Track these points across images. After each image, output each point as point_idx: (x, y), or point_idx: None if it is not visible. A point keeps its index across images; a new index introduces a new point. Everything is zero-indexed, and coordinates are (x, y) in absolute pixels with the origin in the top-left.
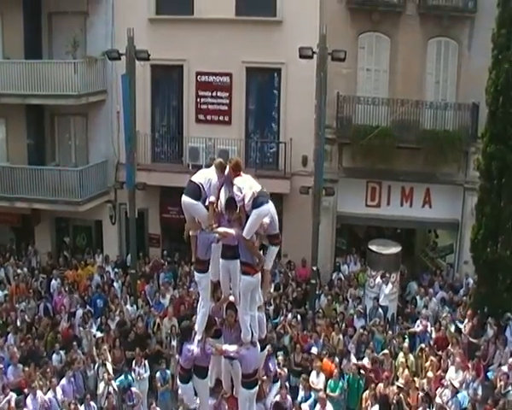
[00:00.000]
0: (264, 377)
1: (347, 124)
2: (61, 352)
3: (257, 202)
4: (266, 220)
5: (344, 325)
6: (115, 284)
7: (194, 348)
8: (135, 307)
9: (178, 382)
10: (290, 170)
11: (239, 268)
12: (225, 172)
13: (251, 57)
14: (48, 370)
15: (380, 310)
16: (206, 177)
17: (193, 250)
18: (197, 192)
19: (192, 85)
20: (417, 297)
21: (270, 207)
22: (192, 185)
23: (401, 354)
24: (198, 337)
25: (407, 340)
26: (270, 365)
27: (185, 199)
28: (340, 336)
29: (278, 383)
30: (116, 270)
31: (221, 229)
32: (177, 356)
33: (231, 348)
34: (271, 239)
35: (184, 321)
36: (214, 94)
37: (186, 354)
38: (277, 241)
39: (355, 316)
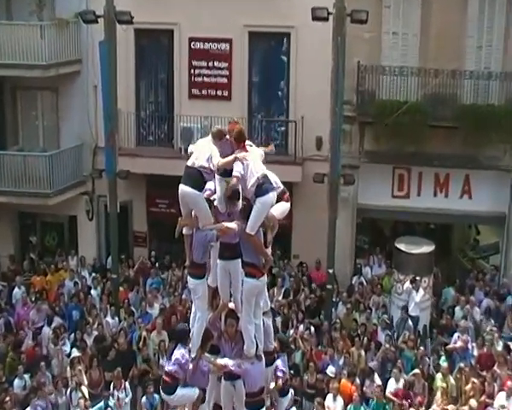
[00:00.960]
0: (272, 385)
1: (370, 99)
2: (25, 376)
3: (261, 188)
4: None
5: (366, 338)
6: (93, 291)
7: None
8: (116, 319)
9: (162, 393)
10: (302, 154)
11: (241, 269)
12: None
13: (254, 20)
14: (7, 399)
15: (409, 321)
16: (205, 155)
17: (187, 251)
18: (198, 180)
19: (184, 54)
20: (455, 306)
21: (275, 194)
22: (191, 172)
23: (439, 376)
24: (192, 355)
25: (443, 358)
26: (279, 367)
27: (185, 189)
28: (362, 352)
29: (289, 395)
30: (94, 275)
31: (220, 224)
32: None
33: (233, 363)
34: (279, 197)
35: (181, 323)
36: (211, 64)
37: (179, 358)
38: (286, 197)
39: (379, 328)
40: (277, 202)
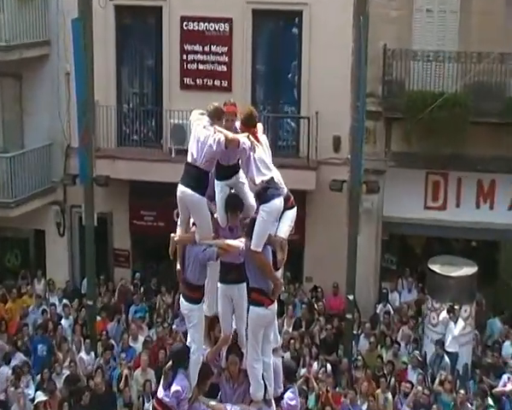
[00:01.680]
0: None
1: (398, 90)
2: None
3: (266, 194)
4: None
5: (394, 379)
6: (63, 321)
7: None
8: (92, 354)
9: None
10: (316, 157)
11: (246, 296)
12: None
13: None
14: None
15: (446, 359)
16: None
17: (180, 271)
18: (202, 180)
19: (175, 36)
20: (503, 341)
21: (282, 200)
22: (193, 171)
23: None
24: (187, 396)
25: (490, 403)
26: (289, 401)
27: (185, 191)
28: (389, 396)
29: None
30: (65, 301)
31: (221, 241)
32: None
33: (235, 409)
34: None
35: (177, 344)
36: (207, 48)
37: (179, 391)
38: (291, 202)
39: (410, 367)
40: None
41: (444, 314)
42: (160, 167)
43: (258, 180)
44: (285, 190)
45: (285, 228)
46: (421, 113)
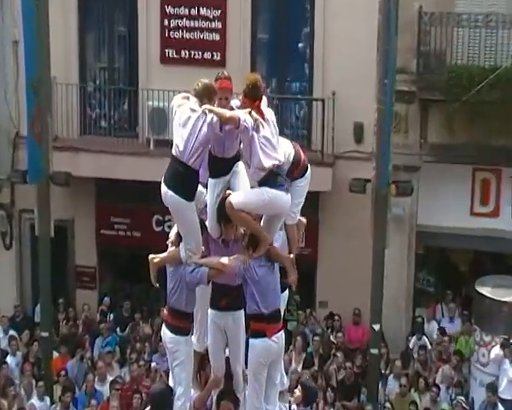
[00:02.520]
0: None
1: (438, 64)
2: None
3: (276, 179)
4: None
5: None
6: (9, 358)
7: None
8: (47, 400)
9: None
10: (333, 150)
11: (243, 326)
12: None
13: None
14: None
15: (500, 407)
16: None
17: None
18: (188, 181)
19: None
20: None
21: (289, 199)
22: (178, 167)
23: None
24: None
25: None
26: None
27: (167, 192)
28: None
29: None
30: (12, 333)
31: (213, 259)
32: None
33: None
34: (290, 174)
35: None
36: (195, 12)
37: None
38: (302, 165)
39: None
40: (290, 178)
41: (496, 350)
42: (135, 162)
43: (267, 164)
44: (291, 156)
45: (296, 209)
46: (466, 93)
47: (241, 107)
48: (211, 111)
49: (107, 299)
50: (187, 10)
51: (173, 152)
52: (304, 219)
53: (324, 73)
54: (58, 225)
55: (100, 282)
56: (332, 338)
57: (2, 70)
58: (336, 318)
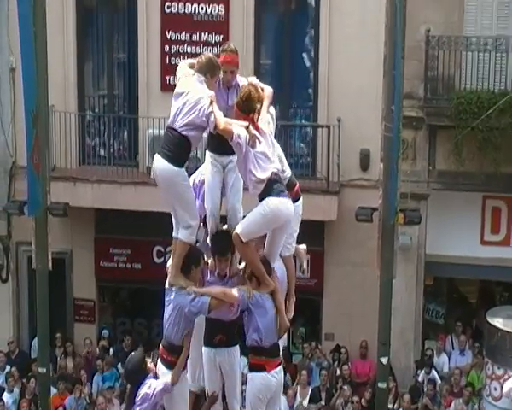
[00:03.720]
0: None
1: (446, 90)
2: None
3: (272, 187)
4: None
5: None
6: (6, 396)
7: (155, 384)
8: None
9: None
10: (338, 178)
11: (238, 362)
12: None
13: None
14: None
15: None
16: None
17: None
18: (179, 148)
19: (155, 20)
20: None
21: (290, 204)
22: (169, 135)
23: None
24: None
25: None
26: None
27: (156, 166)
28: None
29: None
30: (8, 369)
31: (215, 288)
32: None
33: None
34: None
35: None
36: (196, 37)
37: (143, 392)
38: (296, 192)
39: None
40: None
41: (509, 384)
42: (135, 192)
43: (264, 175)
44: (289, 175)
45: (291, 239)
46: (475, 119)
47: (235, 119)
48: (214, 114)
49: (106, 332)
50: (188, 36)
51: (169, 122)
52: (304, 247)
53: (329, 99)
54: (56, 258)
55: (99, 316)
56: (338, 372)
57: (0, 100)
58: (343, 351)
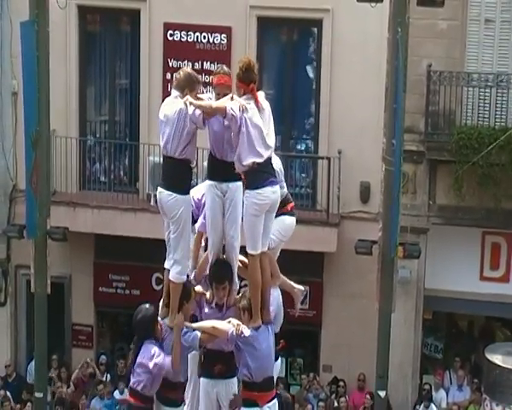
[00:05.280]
0: None
1: (447, 125)
2: None
3: (255, 177)
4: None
5: None
6: None
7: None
8: None
9: None
10: (338, 210)
11: (235, 392)
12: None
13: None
14: None
15: None
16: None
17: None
18: (179, 174)
19: (157, 49)
20: None
21: (278, 192)
22: (167, 163)
23: None
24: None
25: None
26: None
27: (159, 195)
28: None
29: None
30: (4, 393)
31: (206, 323)
32: None
33: None
34: (282, 208)
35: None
36: (198, 66)
37: (145, 360)
38: (291, 208)
39: None
40: (278, 214)
41: None
42: (135, 219)
43: (246, 161)
44: (284, 186)
45: (278, 241)
46: (475, 154)
47: (236, 91)
48: (196, 105)
49: (104, 358)
50: (190, 64)
51: (162, 151)
52: (301, 288)
53: (330, 131)
54: (55, 282)
55: (97, 341)
56: (336, 404)
57: (0, 122)
58: (340, 383)
